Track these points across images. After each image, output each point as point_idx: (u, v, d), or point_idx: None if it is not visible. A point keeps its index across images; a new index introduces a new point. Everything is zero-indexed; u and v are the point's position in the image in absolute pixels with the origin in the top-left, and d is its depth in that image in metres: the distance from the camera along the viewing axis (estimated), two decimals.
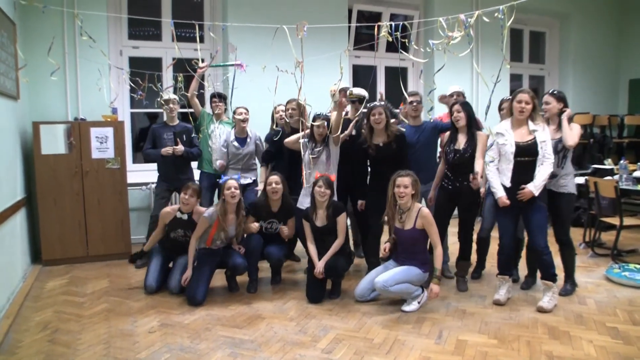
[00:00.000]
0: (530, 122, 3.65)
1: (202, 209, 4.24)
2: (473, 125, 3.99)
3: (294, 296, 4.04)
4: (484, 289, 4.13)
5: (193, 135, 5.00)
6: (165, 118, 5.03)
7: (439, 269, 3.67)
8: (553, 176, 3.80)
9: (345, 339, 3.20)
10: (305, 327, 3.42)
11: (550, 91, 3.94)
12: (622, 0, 8.47)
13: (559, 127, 3.84)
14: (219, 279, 4.22)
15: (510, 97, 4.04)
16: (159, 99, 4.94)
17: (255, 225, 4.15)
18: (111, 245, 5.10)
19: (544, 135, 3.61)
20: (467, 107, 3.98)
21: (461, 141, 3.96)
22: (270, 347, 3.10)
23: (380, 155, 4.13)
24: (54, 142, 4.84)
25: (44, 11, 4.13)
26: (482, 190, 4.28)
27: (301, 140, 4.29)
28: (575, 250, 4.05)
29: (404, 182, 3.67)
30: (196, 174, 5.21)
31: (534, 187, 3.57)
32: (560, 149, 3.81)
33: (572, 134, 3.74)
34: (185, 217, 4.21)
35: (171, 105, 4.89)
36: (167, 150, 4.80)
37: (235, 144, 4.85)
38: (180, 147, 4.84)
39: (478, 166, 3.87)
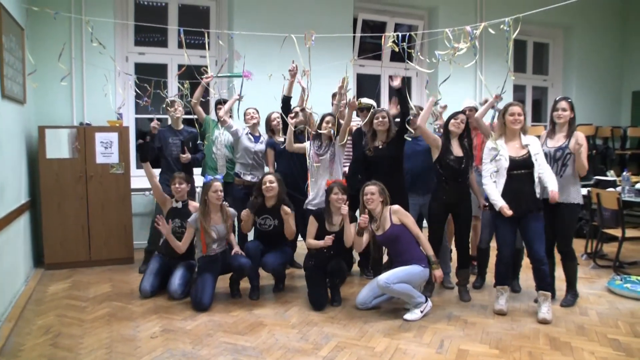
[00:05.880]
0: (522, 136, 3.74)
1: (196, 204, 4.37)
2: (467, 135, 4.10)
3: (295, 303, 4.04)
4: (486, 299, 4.13)
5: (199, 142, 5.03)
6: (170, 122, 5.06)
7: (431, 254, 3.82)
8: None
9: (347, 347, 3.20)
10: (307, 334, 3.42)
11: (566, 98, 3.93)
12: (625, 13, 8.51)
13: (567, 135, 3.85)
14: (220, 285, 4.23)
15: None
16: (164, 106, 4.96)
17: (245, 212, 4.13)
18: (114, 250, 5.12)
19: (536, 147, 3.69)
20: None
21: (457, 150, 4.00)
22: (272, 354, 3.11)
23: (376, 157, 4.21)
24: (58, 147, 4.87)
25: (55, 17, 4.17)
26: (481, 201, 4.30)
27: (307, 145, 4.34)
28: (577, 261, 4.05)
29: (370, 190, 3.84)
30: (200, 180, 5.22)
31: (554, 187, 3.61)
32: (559, 157, 3.82)
33: (584, 164, 3.76)
34: (179, 205, 4.33)
35: (176, 107, 4.91)
36: (154, 126, 4.80)
37: (250, 136, 4.85)
38: (188, 156, 4.86)
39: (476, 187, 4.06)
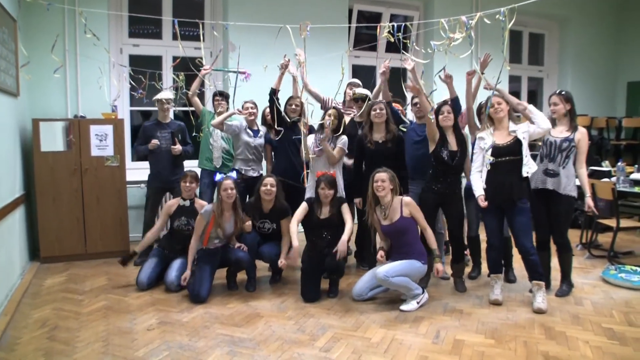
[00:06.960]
0: (511, 123, 3.76)
1: (202, 202, 4.39)
2: (458, 126, 4.08)
3: (292, 295, 4.05)
4: (481, 289, 4.15)
5: (194, 134, 5.01)
6: (158, 116, 5.05)
7: (435, 249, 3.82)
8: (554, 175, 3.82)
9: (343, 338, 3.22)
10: (304, 325, 3.43)
11: (557, 92, 3.95)
12: (620, 4, 8.50)
13: (570, 127, 3.86)
14: (216, 277, 4.22)
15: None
16: (154, 98, 4.94)
17: (248, 224, 4.17)
18: (110, 242, 5.11)
19: (524, 130, 3.70)
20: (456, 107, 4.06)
21: (452, 142, 3.99)
22: (269, 345, 3.12)
23: (378, 151, 4.19)
24: (53, 140, 4.85)
25: (48, 9, 4.12)
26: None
27: (304, 139, 4.34)
28: (573, 252, 4.07)
29: (381, 177, 3.79)
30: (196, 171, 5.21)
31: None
32: (565, 148, 3.82)
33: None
34: (187, 203, 4.34)
35: (166, 106, 4.92)
36: (155, 143, 4.82)
37: (249, 131, 4.81)
38: (179, 147, 4.87)
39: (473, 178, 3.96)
